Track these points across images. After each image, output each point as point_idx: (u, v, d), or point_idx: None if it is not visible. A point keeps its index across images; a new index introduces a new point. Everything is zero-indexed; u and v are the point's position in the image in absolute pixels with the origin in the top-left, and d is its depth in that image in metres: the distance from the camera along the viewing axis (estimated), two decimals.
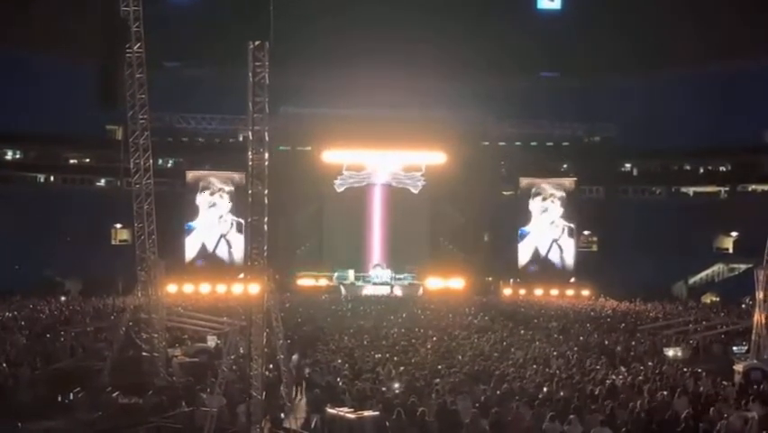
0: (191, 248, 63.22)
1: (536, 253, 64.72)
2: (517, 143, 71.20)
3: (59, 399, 21.88)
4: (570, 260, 64.68)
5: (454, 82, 69.44)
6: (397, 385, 21.79)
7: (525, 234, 65.10)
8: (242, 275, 56.69)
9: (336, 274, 64.84)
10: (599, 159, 71.50)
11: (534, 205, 65.23)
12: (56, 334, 31.79)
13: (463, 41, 68.02)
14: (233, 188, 62.90)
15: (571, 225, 65.01)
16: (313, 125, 66.80)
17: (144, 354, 24.81)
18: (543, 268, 64.37)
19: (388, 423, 17.89)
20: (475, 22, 71.45)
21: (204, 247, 63.41)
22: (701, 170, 74.56)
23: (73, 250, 60.59)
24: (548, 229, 64.96)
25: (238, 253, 61.45)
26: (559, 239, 64.93)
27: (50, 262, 58.56)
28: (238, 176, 60.25)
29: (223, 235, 63.33)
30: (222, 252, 63.52)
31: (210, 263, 62.51)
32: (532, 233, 65.09)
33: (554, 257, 64.88)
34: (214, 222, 63.55)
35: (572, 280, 62.69)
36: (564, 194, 65.24)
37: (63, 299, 49.82)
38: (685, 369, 25.29)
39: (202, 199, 63.69)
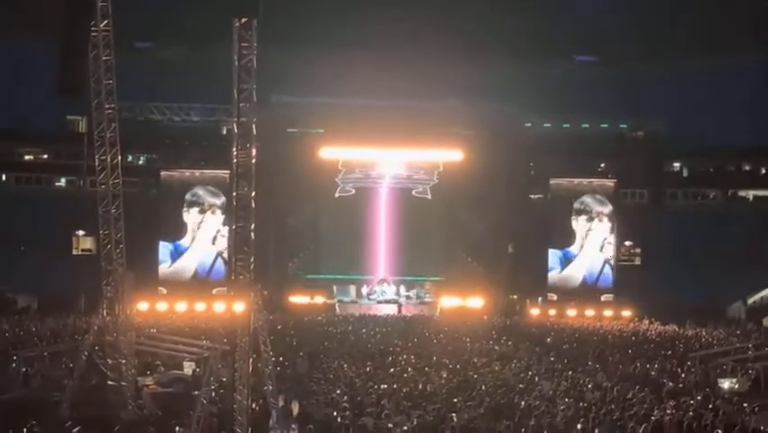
0: (183, 272, 62.69)
1: (584, 281, 64.12)
2: (547, 139, 70.95)
3: None
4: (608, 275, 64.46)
5: (473, 68, 69.21)
6: (405, 421, 21.78)
7: (572, 258, 64.47)
8: (215, 290, 57.15)
9: (335, 291, 64.86)
10: (643, 157, 71.30)
11: (579, 225, 64.59)
12: (7, 359, 31.81)
13: (484, 19, 67.90)
14: (223, 200, 61.96)
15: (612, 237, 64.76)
16: (309, 117, 66.82)
17: (110, 382, 24.84)
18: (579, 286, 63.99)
19: None
20: None
21: (197, 273, 62.62)
22: (763, 171, 74.37)
23: (28, 261, 60.65)
24: (596, 252, 64.40)
25: None
26: (611, 260, 64.45)
27: (1, 276, 58.59)
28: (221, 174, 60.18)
29: (219, 254, 62.28)
30: (217, 273, 62.39)
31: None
32: (579, 256, 64.59)
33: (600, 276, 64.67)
34: (206, 242, 63.11)
35: (606, 297, 62.34)
36: (611, 207, 64.47)
37: (16, 318, 49.80)
38: (744, 404, 25.29)
39: (190, 218, 63.29)
